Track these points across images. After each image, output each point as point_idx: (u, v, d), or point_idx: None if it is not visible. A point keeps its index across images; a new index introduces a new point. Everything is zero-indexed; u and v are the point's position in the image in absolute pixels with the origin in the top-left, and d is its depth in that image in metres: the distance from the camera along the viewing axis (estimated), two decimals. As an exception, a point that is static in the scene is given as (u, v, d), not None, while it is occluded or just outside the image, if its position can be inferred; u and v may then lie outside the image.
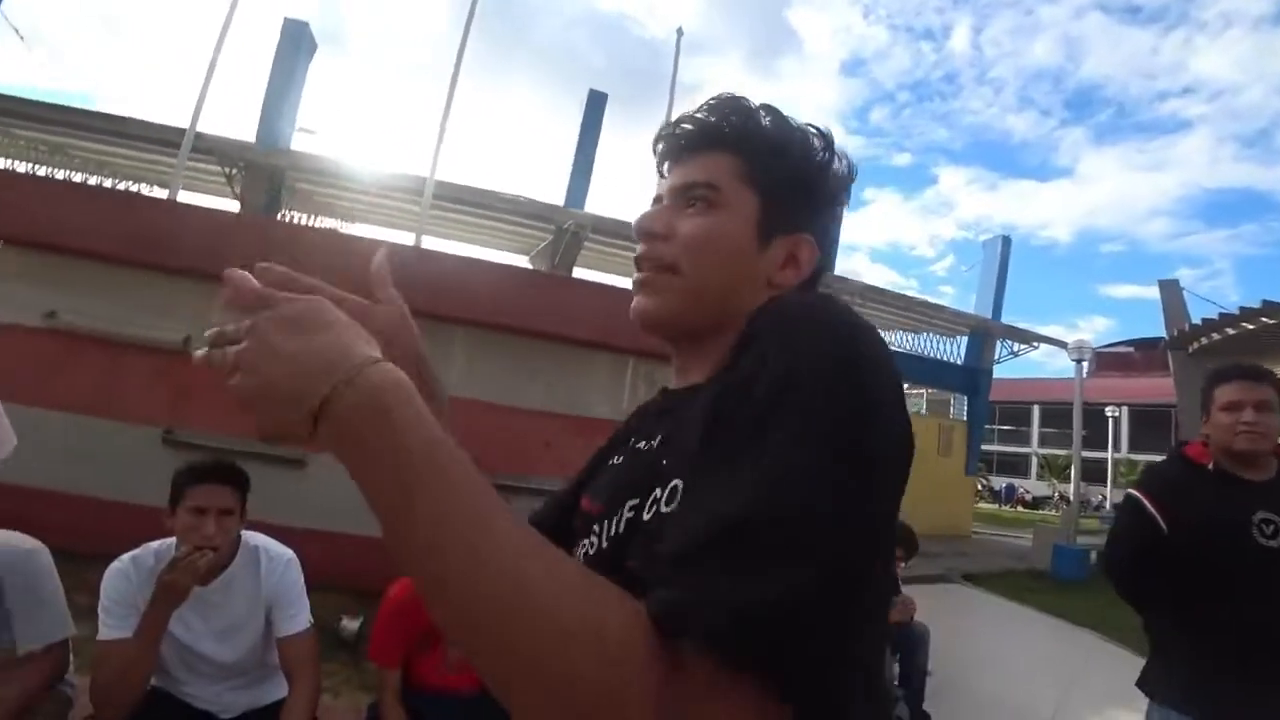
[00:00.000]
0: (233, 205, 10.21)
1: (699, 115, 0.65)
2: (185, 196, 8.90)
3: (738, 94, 0.66)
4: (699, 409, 0.48)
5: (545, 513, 0.74)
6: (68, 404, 4.25)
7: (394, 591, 1.96)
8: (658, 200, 0.66)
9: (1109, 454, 22.60)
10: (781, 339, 0.46)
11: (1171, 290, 12.29)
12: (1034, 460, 31.82)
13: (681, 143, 0.66)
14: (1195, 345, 10.96)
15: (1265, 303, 8.81)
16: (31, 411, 3.87)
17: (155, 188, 10.92)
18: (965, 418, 14.07)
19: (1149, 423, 28.02)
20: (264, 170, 10.02)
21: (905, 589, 4.05)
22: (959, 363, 14.36)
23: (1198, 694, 1.59)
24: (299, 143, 11.05)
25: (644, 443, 0.60)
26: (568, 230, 10.84)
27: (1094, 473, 23.62)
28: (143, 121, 9.62)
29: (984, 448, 19.20)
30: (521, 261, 12.77)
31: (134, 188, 11.40)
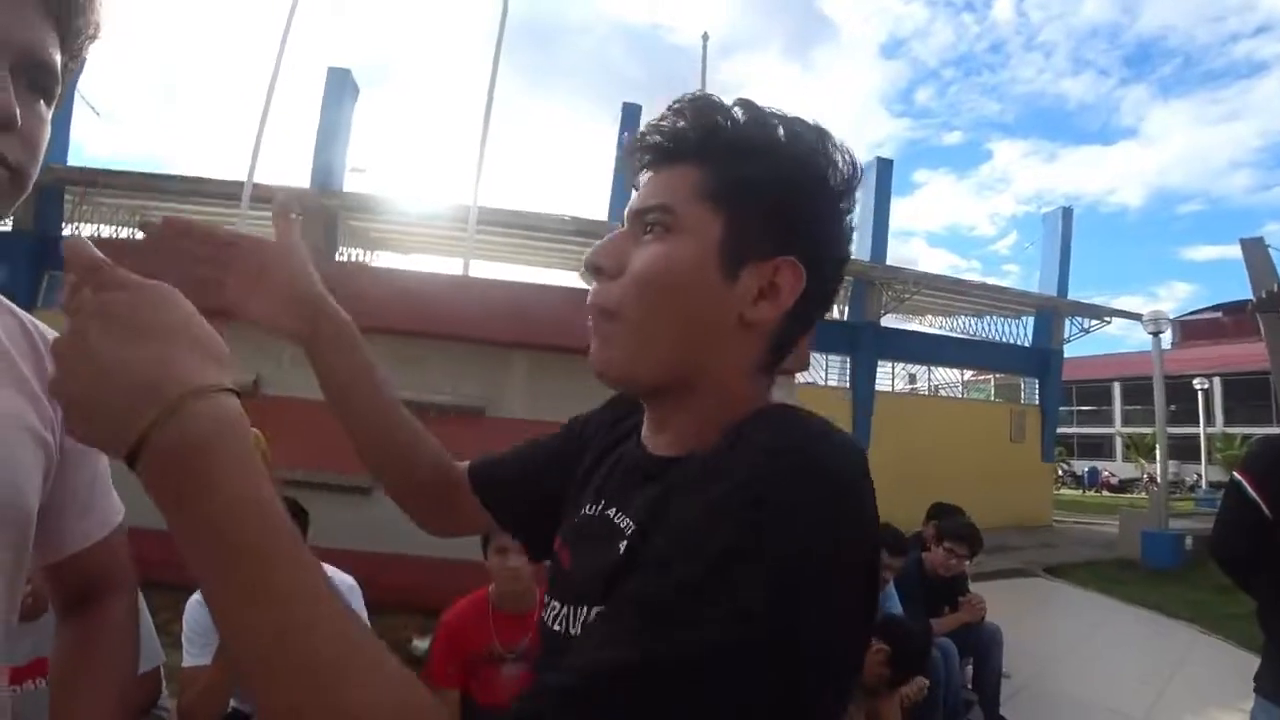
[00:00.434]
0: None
1: (660, 123, 0.55)
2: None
3: (707, 93, 0.55)
4: (661, 539, 0.44)
5: (502, 469, 0.73)
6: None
7: (449, 614, 2.03)
8: (625, 221, 0.57)
9: (1201, 429, 21.18)
10: (759, 491, 0.41)
11: (1256, 248, 11.44)
12: (1118, 441, 30.09)
13: (642, 158, 0.56)
14: (1287, 306, 10.19)
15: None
16: (124, 457, 4.20)
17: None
18: (1038, 401, 13.47)
19: (1245, 392, 26.10)
20: (320, 213, 10.55)
21: (976, 586, 3.91)
22: (1026, 344, 13.79)
23: None
24: (351, 183, 11.60)
25: (619, 516, 0.55)
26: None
27: (1186, 450, 22.19)
28: (207, 179, 10.32)
29: (1061, 431, 18.33)
30: (572, 278, 13.00)
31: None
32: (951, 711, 2.97)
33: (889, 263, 12.38)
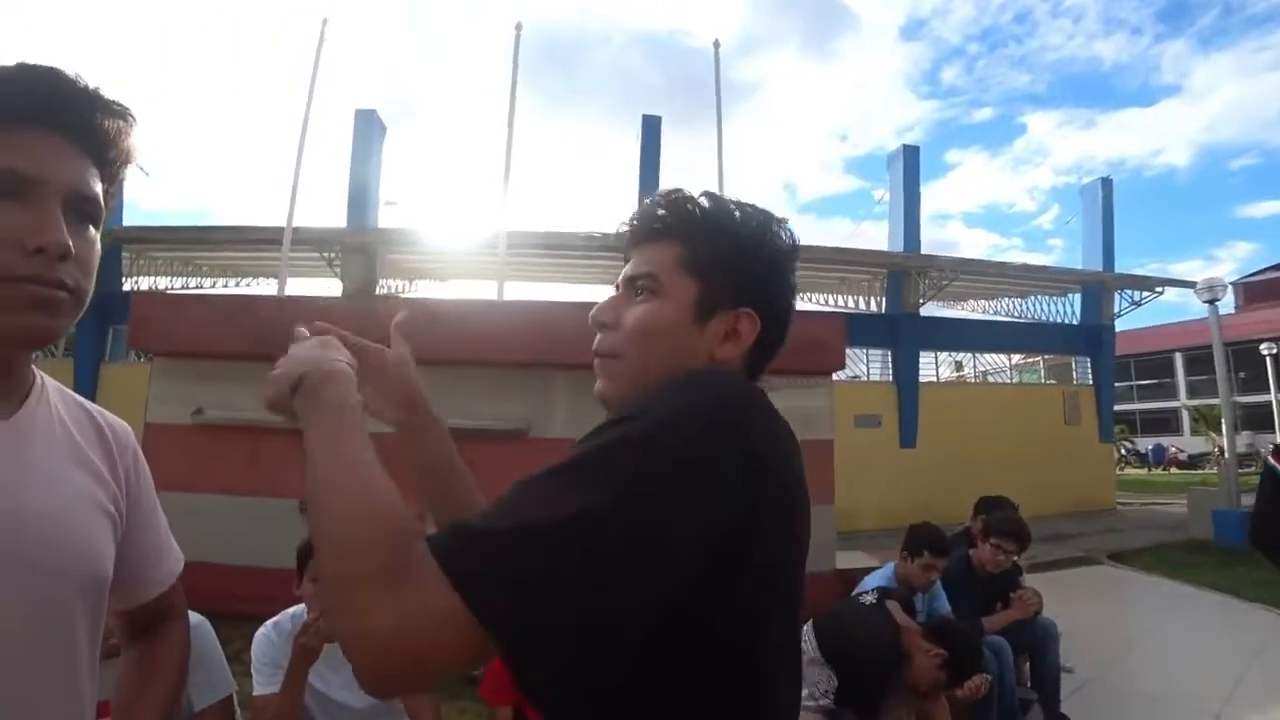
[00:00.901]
0: (335, 284, 11.21)
1: (646, 210, 0.74)
2: (293, 284, 9.87)
3: (682, 188, 0.74)
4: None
5: None
6: (219, 486, 4.84)
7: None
8: (619, 286, 0.76)
9: (1273, 395, 20.06)
10: (647, 401, 0.58)
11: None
12: (1184, 414, 28.72)
13: (632, 236, 0.75)
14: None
15: None
16: (189, 497, 4.44)
17: (268, 280, 12.18)
18: (1091, 380, 13.02)
19: (1320, 354, 24.64)
20: (357, 249, 10.93)
21: (1034, 578, 3.81)
22: (1075, 322, 13.36)
23: None
24: (385, 218, 12.00)
25: None
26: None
27: (1259, 419, 21.08)
28: (249, 227, 10.80)
29: (1121, 408, 17.64)
30: (605, 293, 13.11)
31: (251, 283, 12.75)
32: (1008, 711, 2.91)
33: (925, 250, 12.17)
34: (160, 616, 0.85)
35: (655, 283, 0.70)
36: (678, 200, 0.73)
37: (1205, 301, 9.75)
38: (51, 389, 0.72)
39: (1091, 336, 12.88)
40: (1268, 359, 19.70)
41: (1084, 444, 12.17)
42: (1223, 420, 10.29)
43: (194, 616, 1.81)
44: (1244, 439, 19.21)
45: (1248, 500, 8.49)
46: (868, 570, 3.41)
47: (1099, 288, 12.84)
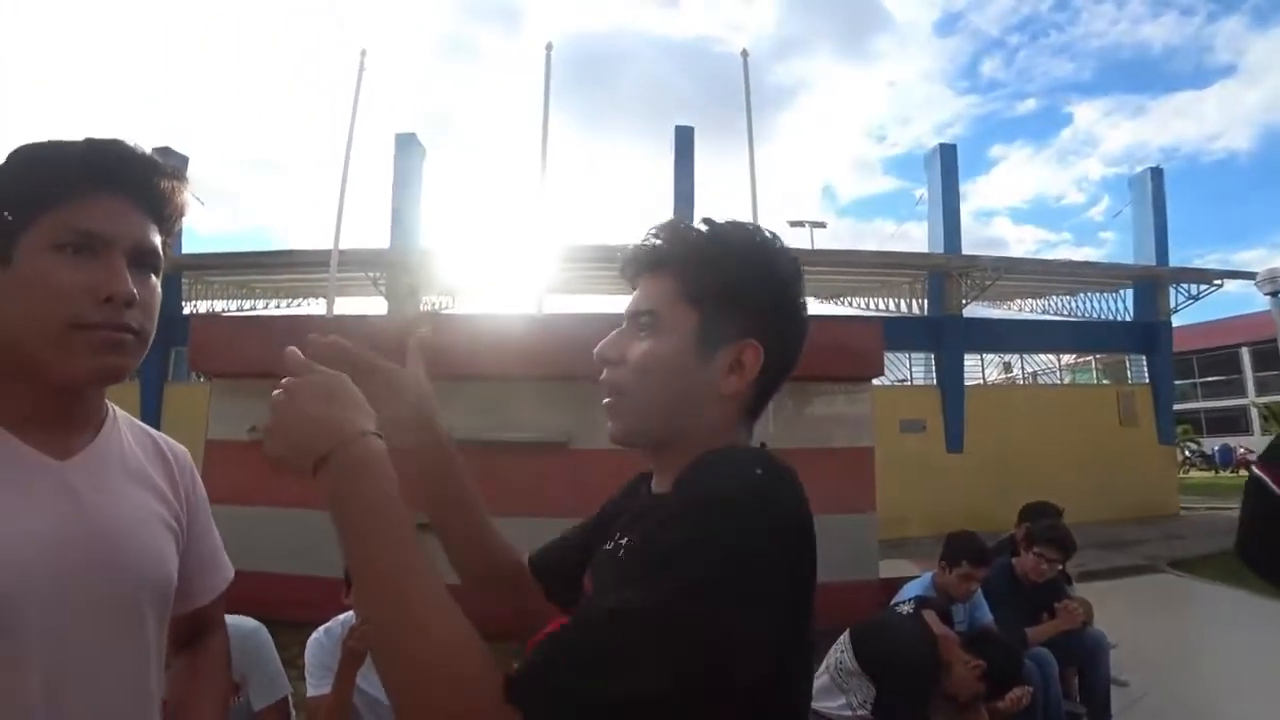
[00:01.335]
0: (380, 303, 11.57)
1: (645, 242, 0.73)
2: (341, 303, 10.24)
3: (679, 219, 0.74)
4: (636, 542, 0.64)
5: (551, 553, 0.88)
6: (274, 500, 5.06)
7: (539, 637, 2.18)
8: (625, 320, 0.75)
9: (1352, 391, 18.90)
10: (683, 516, 0.58)
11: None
12: (1253, 412, 27.23)
13: (633, 269, 0.74)
14: None
15: None
16: (247, 510, 4.66)
17: (317, 300, 12.66)
18: (1147, 379, 12.51)
19: (1403, 346, 23.09)
20: (400, 269, 11.27)
21: (1087, 587, 3.68)
22: (1128, 319, 12.87)
23: None
24: (427, 235, 12.35)
25: (625, 541, 0.70)
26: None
27: (1337, 416, 19.86)
28: (298, 250, 11.31)
29: (1183, 408, 16.85)
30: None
31: (302, 304, 13.27)
32: (1052, 724, 2.84)
33: (970, 248, 11.93)
34: (205, 627, 0.94)
35: (656, 318, 0.69)
36: (675, 231, 0.72)
37: (1267, 294, 9.30)
38: (120, 417, 0.82)
39: (1147, 333, 12.38)
40: (1343, 352, 18.60)
41: (1142, 446, 11.68)
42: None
43: (251, 622, 1.94)
44: (1320, 437, 18.14)
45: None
46: (913, 579, 3.37)
47: (1152, 282, 12.35)
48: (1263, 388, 27.17)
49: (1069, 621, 3.09)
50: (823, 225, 14.86)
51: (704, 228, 0.72)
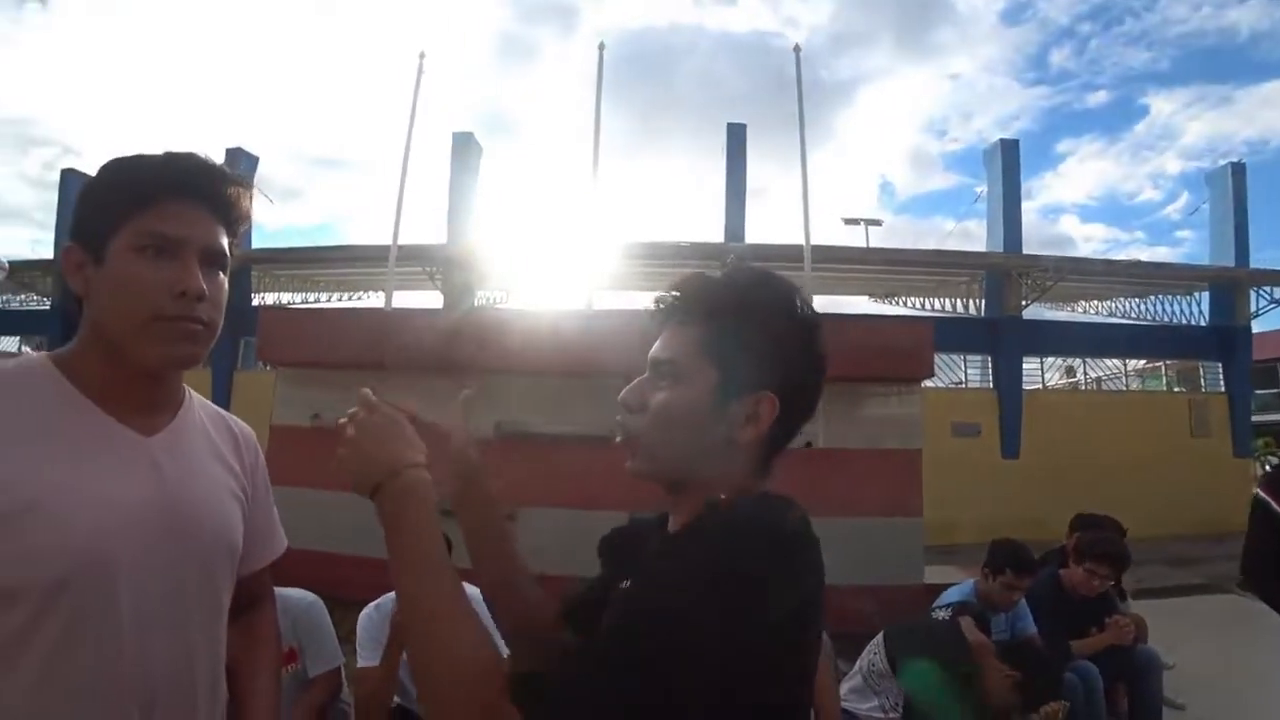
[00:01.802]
0: (436, 296, 11.94)
1: (670, 294, 0.76)
2: (399, 296, 10.60)
3: (704, 272, 0.77)
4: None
5: (578, 595, 0.89)
6: (334, 483, 5.29)
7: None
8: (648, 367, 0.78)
9: None
10: (685, 577, 0.59)
11: None
12: (1345, 425, 25.35)
13: (657, 320, 0.77)
14: None
15: None
16: (308, 492, 4.91)
17: (376, 293, 13.14)
18: (1223, 387, 11.85)
19: None
20: (457, 264, 11.60)
21: (1144, 604, 3.54)
22: (1202, 323, 12.20)
23: None
24: (483, 235, 12.66)
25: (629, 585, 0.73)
26: (729, 264, 11.13)
27: None
28: (359, 246, 11.76)
29: (1263, 419, 15.83)
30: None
31: (362, 297, 13.80)
32: (1096, 741, 2.76)
33: (1033, 247, 11.55)
34: (257, 596, 1.03)
35: (676, 369, 0.72)
36: (701, 283, 0.75)
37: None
38: (195, 399, 0.94)
39: (1223, 339, 11.72)
40: None
41: (1215, 458, 11.08)
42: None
43: (309, 596, 2.09)
44: None
45: None
46: (954, 586, 3.32)
47: (1230, 284, 11.68)
48: (1356, 399, 25.27)
49: (1118, 636, 2.97)
50: (878, 223, 14.54)
51: (725, 282, 0.75)
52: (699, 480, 0.72)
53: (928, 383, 7.39)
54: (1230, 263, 11.62)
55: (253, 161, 13.40)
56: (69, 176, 13.51)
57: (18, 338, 15.77)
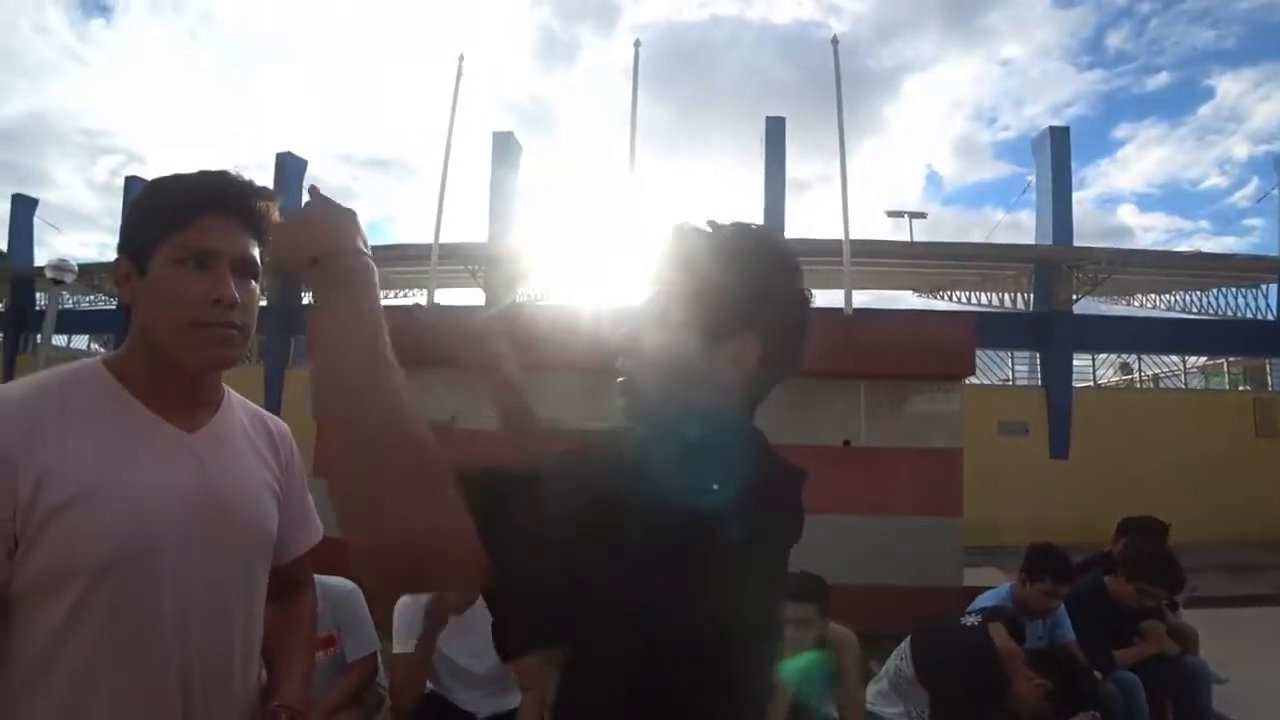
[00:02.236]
0: (479, 295, 12.16)
1: (658, 243, 0.81)
2: (441, 295, 10.85)
3: (685, 221, 0.80)
4: None
5: None
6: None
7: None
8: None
9: None
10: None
11: None
12: None
13: (649, 267, 0.82)
14: None
15: None
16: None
17: (419, 291, 13.47)
18: (1293, 386, 11.25)
19: None
20: (499, 262, 11.79)
21: (1196, 614, 3.36)
22: (1270, 317, 11.58)
23: None
24: (523, 233, 12.85)
25: None
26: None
27: None
28: (404, 244, 12.06)
29: (1338, 419, 14.97)
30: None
31: (406, 295, 14.16)
32: (1138, 754, 2.66)
33: (1088, 238, 11.19)
34: (297, 583, 1.09)
35: (665, 314, 0.77)
36: (682, 232, 0.80)
37: None
38: (234, 398, 1.01)
39: (1293, 334, 11.13)
40: None
41: (1282, 461, 10.53)
42: None
43: (348, 584, 2.18)
44: None
45: None
46: (989, 590, 3.24)
47: (1301, 277, 11.08)
48: None
49: (1157, 645, 2.86)
50: (922, 216, 14.11)
51: (712, 232, 0.79)
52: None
53: (973, 379, 7.22)
54: (1300, 253, 11.02)
55: (301, 164, 13.85)
56: (133, 183, 14.23)
57: (87, 335, 16.69)
